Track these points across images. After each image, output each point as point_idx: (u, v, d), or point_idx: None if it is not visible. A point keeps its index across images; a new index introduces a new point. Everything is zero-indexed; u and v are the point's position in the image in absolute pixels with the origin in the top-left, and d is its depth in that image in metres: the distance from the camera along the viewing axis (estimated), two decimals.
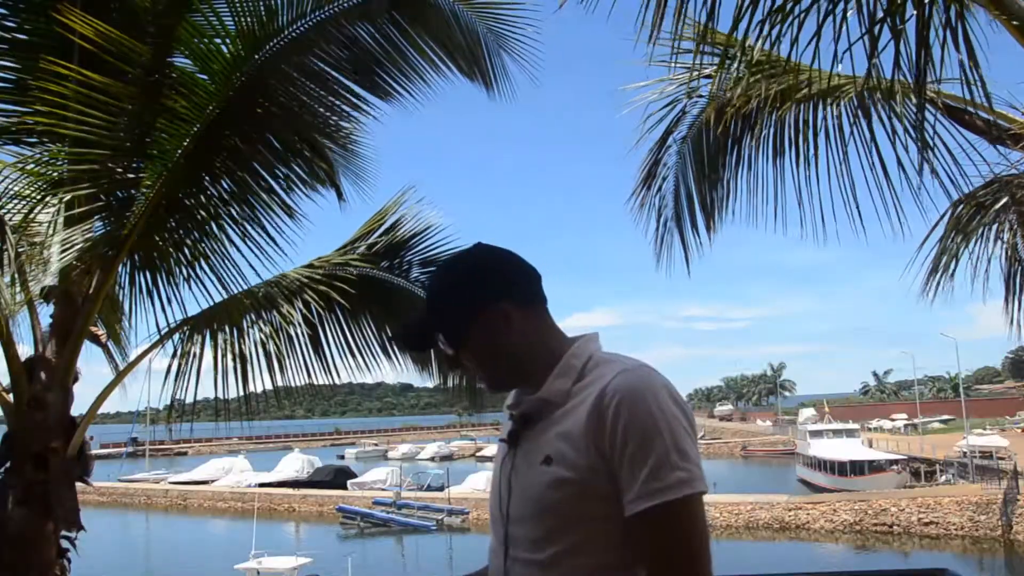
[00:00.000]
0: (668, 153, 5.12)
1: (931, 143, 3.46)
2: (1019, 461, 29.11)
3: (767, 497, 31.39)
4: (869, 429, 58.09)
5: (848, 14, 2.47)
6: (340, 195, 4.60)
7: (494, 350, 1.38)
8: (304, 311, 4.53)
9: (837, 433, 42.71)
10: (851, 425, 46.89)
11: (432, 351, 4.97)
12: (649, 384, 1.24)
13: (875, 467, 36.67)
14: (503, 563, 1.35)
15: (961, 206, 4.42)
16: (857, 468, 36.62)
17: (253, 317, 4.39)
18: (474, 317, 1.37)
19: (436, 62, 4.36)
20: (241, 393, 4.30)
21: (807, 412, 66.08)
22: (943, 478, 35.84)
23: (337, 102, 4.24)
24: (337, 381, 4.77)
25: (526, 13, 4.45)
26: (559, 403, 1.31)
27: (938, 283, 4.69)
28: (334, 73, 4.12)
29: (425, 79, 4.38)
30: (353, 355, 4.81)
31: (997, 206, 4.39)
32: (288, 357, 4.49)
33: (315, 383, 4.63)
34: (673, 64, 4.22)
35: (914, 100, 3.54)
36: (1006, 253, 4.55)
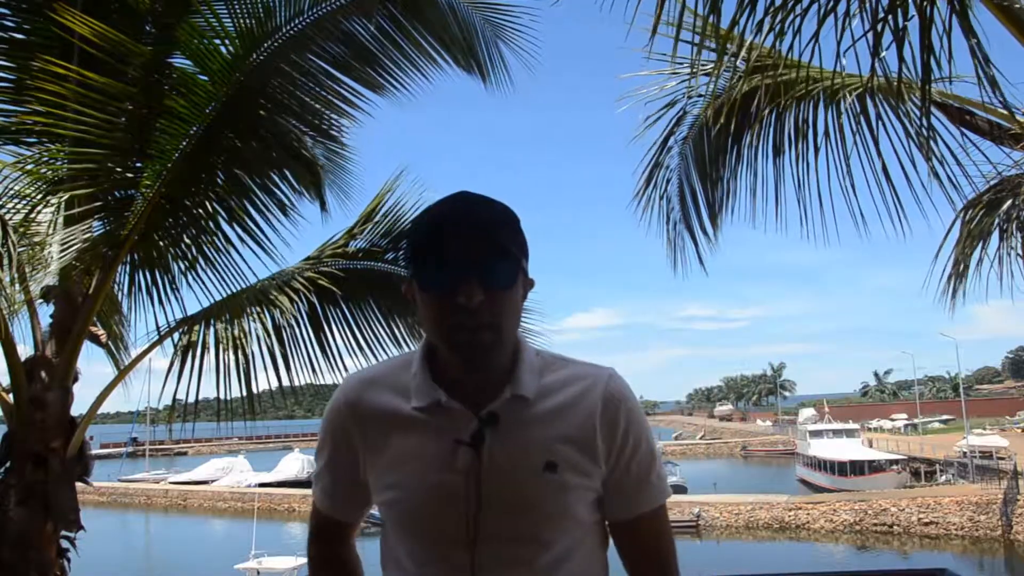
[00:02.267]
0: (670, 155, 5.12)
1: (934, 144, 3.46)
2: (1019, 461, 29.11)
3: (767, 497, 31.38)
4: (869, 429, 58.07)
5: (850, 13, 2.46)
6: (323, 206, 4.59)
7: (517, 310, 1.21)
8: (306, 307, 4.51)
9: (837, 433, 42.68)
10: (851, 425, 46.87)
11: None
12: (632, 390, 1.29)
13: (875, 467, 36.67)
14: None
15: (970, 209, 4.42)
16: (857, 468, 36.61)
17: (254, 314, 4.38)
18: (525, 268, 1.22)
19: (433, 55, 4.35)
20: (243, 392, 4.29)
21: (807, 412, 66.03)
22: (943, 478, 35.83)
23: (335, 99, 4.23)
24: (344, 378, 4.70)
25: (523, 3, 4.46)
26: (530, 401, 1.21)
27: (956, 290, 4.71)
28: (332, 70, 4.12)
29: (423, 73, 4.37)
30: (361, 350, 4.76)
31: (1005, 206, 4.39)
32: (292, 354, 4.47)
33: (321, 381, 4.59)
34: (673, 59, 4.22)
35: (916, 100, 3.53)
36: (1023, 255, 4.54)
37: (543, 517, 1.18)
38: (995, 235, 4.59)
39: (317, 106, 4.22)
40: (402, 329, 4.92)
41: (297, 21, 3.77)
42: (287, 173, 4.24)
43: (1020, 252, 4.49)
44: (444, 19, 4.29)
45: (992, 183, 4.35)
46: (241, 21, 3.68)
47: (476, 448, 1.17)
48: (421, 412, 1.21)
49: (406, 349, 4.92)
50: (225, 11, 3.68)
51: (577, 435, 1.21)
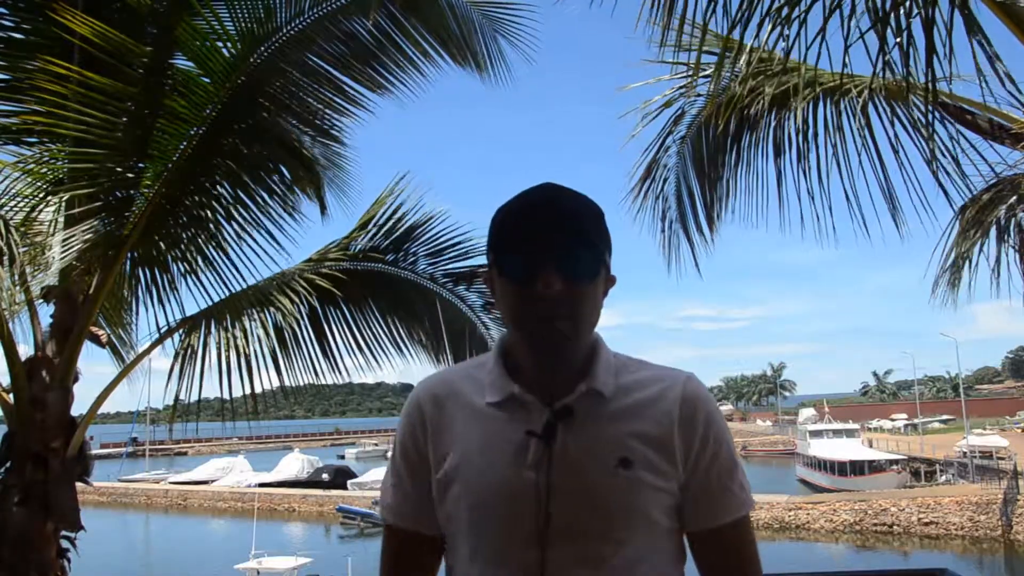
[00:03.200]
0: (668, 154, 5.11)
1: (936, 144, 3.46)
2: (1019, 461, 29.10)
3: (767, 497, 31.36)
4: (869, 429, 58.08)
5: (856, 12, 2.46)
6: (323, 209, 4.58)
7: (596, 304, 1.18)
8: (307, 307, 4.51)
9: (837, 433, 42.68)
10: (851, 425, 46.86)
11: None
12: (711, 395, 1.26)
13: (875, 467, 36.66)
14: None
15: (969, 209, 4.42)
16: (857, 468, 36.61)
17: (255, 315, 4.38)
18: (607, 263, 1.19)
19: (432, 53, 4.34)
20: (244, 392, 4.29)
21: (807, 412, 66.02)
22: (943, 478, 35.83)
23: (335, 98, 4.23)
24: (344, 379, 4.74)
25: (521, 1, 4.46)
26: (606, 398, 1.17)
27: (954, 285, 4.71)
28: (332, 69, 4.12)
29: (421, 71, 4.36)
30: (361, 351, 4.77)
31: (1004, 206, 4.39)
32: (293, 355, 4.47)
33: (321, 381, 4.60)
34: (674, 62, 4.22)
35: (916, 100, 3.53)
36: (1018, 256, 4.54)
37: (616, 514, 1.13)
38: (993, 235, 4.59)
39: (318, 106, 4.22)
40: (401, 331, 4.93)
41: (297, 21, 3.77)
42: (288, 174, 4.24)
43: (1017, 251, 4.49)
44: (443, 16, 4.28)
45: (991, 182, 4.35)
46: (242, 22, 3.68)
47: (548, 441, 1.14)
48: (495, 407, 1.19)
49: (405, 351, 4.96)
50: (226, 12, 3.67)
51: (654, 433, 1.16)
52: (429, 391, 1.27)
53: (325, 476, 44.98)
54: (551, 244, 1.12)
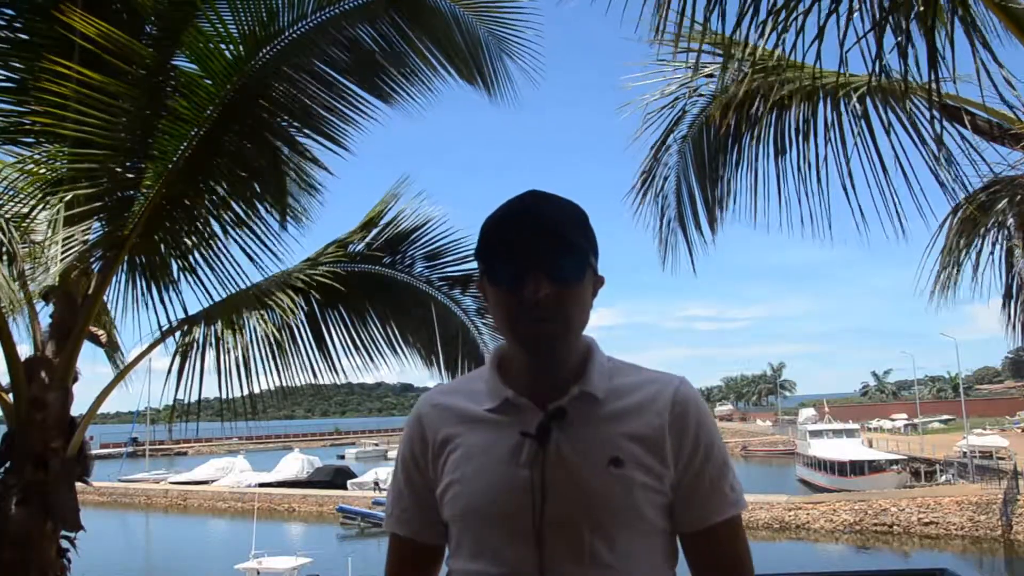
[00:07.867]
0: (668, 153, 5.12)
1: (936, 144, 3.46)
2: (1019, 461, 29.10)
3: (767, 497, 31.35)
4: (869, 429, 58.05)
5: (853, 10, 2.46)
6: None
7: (585, 306, 1.22)
8: (305, 308, 4.51)
9: (837, 433, 42.67)
10: (851, 425, 46.86)
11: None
12: (702, 398, 1.30)
13: (875, 467, 36.64)
14: None
15: (962, 209, 4.42)
16: (857, 468, 36.59)
17: (254, 315, 4.38)
18: (594, 265, 1.24)
19: (436, 66, 4.35)
20: (244, 392, 4.29)
21: (807, 412, 65.96)
22: (943, 478, 35.81)
23: (338, 103, 4.23)
24: (342, 380, 4.76)
25: (527, 16, 4.45)
26: (599, 400, 1.22)
27: (945, 286, 4.70)
28: (334, 74, 4.12)
29: (425, 82, 4.37)
30: (359, 352, 4.79)
31: (998, 207, 4.39)
32: (292, 355, 4.48)
33: (319, 382, 4.62)
34: (674, 60, 4.21)
35: (915, 100, 3.53)
36: (1004, 257, 4.55)
37: (608, 512, 1.17)
38: (989, 236, 4.59)
39: (320, 110, 4.22)
40: (397, 333, 4.94)
41: (300, 25, 3.76)
42: (290, 174, 4.23)
43: (1017, 250, 4.49)
44: (449, 31, 4.29)
45: (987, 182, 4.34)
46: (244, 23, 3.67)
47: (542, 441, 1.18)
48: (492, 412, 1.24)
49: (401, 352, 4.98)
50: (228, 13, 3.67)
51: (645, 434, 1.20)
52: (428, 404, 1.33)
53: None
54: (536, 250, 1.16)
